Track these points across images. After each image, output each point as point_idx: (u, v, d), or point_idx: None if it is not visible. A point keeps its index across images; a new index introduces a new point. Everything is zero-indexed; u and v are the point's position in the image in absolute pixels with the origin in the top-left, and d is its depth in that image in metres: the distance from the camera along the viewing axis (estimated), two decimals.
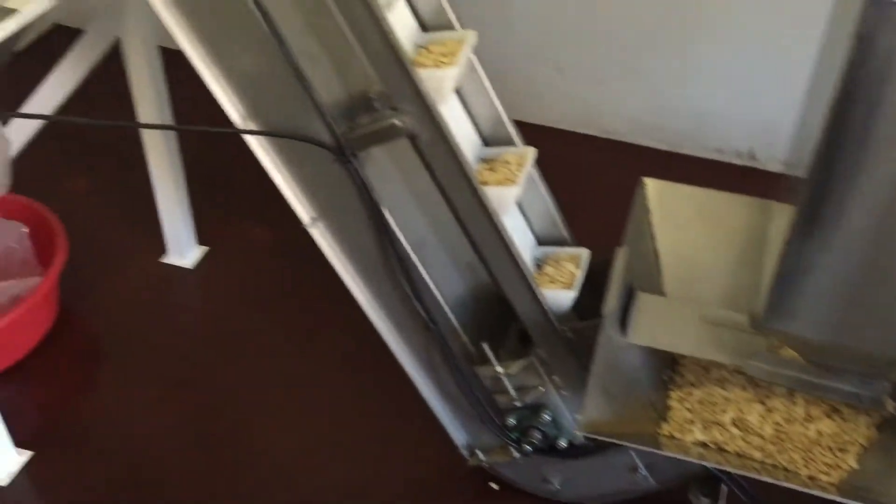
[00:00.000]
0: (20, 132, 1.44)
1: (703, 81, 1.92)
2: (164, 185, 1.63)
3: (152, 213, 1.68)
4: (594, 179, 1.91)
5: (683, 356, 1.24)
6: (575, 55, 1.99)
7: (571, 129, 2.07)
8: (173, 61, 1.44)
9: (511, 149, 1.19)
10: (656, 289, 1.24)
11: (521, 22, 1.96)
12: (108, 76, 1.51)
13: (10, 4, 1.16)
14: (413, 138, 1.05)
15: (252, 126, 1.10)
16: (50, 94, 1.46)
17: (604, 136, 2.06)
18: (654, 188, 1.27)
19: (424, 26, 1.12)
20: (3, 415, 1.35)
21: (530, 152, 1.17)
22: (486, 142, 1.22)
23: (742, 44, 1.84)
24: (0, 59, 1.24)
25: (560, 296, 1.17)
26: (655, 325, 1.17)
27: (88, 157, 1.96)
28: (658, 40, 1.91)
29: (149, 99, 1.49)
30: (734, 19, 1.82)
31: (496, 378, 1.22)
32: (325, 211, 1.15)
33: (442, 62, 1.03)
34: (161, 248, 1.74)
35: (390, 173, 1.15)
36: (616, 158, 2.00)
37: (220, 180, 1.89)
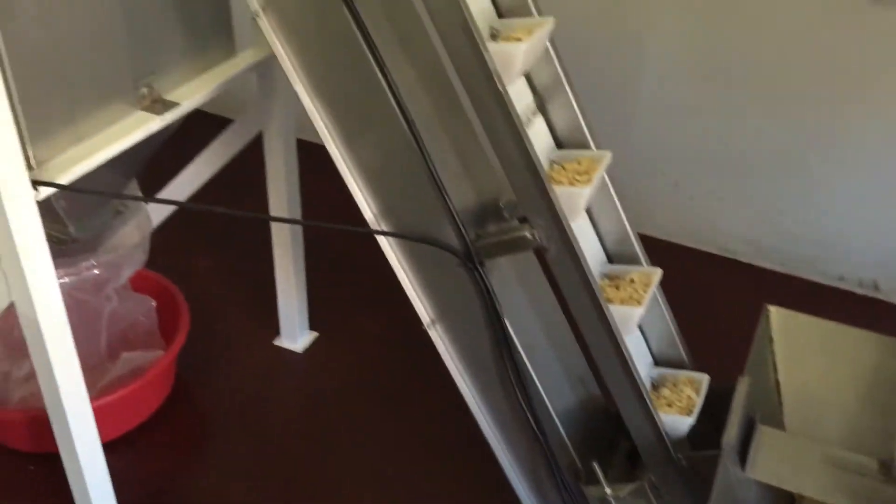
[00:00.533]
0: (158, 211, 1.52)
1: (827, 207, 1.88)
2: (284, 271, 1.69)
3: (270, 296, 1.74)
4: (711, 298, 1.88)
5: (804, 496, 1.18)
6: (693, 172, 1.99)
7: (688, 244, 2.05)
8: (303, 147, 1.53)
9: (637, 267, 1.19)
10: (776, 421, 1.20)
11: (641, 138, 1.98)
12: (240, 161, 1.59)
13: (171, 97, 1.25)
14: (542, 251, 1.06)
15: (384, 224, 1.14)
16: (191, 179, 1.55)
17: (721, 253, 2.03)
18: (777, 317, 1.24)
19: (560, 143, 1.15)
20: (112, 482, 1.39)
21: (656, 274, 1.17)
22: (611, 258, 1.22)
23: (870, 171, 1.81)
24: (153, 147, 1.33)
25: (677, 421, 1.14)
26: (777, 462, 1.12)
27: (216, 237, 2.05)
28: (781, 162, 1.89)
29: (282, 190, 1.56)
30: (863, 145, 1.79)
31: (604, 499, 1.18)
32: (445, 313, 1.17)
33: (577, 180, 1.05)
34: (275, 330, 1.79)
35: (512, 281, 1.16)
36: (733, 278, 1.97)
37: (337, 267, 1.95)
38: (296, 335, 1.78)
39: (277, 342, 1.79)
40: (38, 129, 1.06)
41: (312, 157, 1.39)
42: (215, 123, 1.57)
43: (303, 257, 1.69)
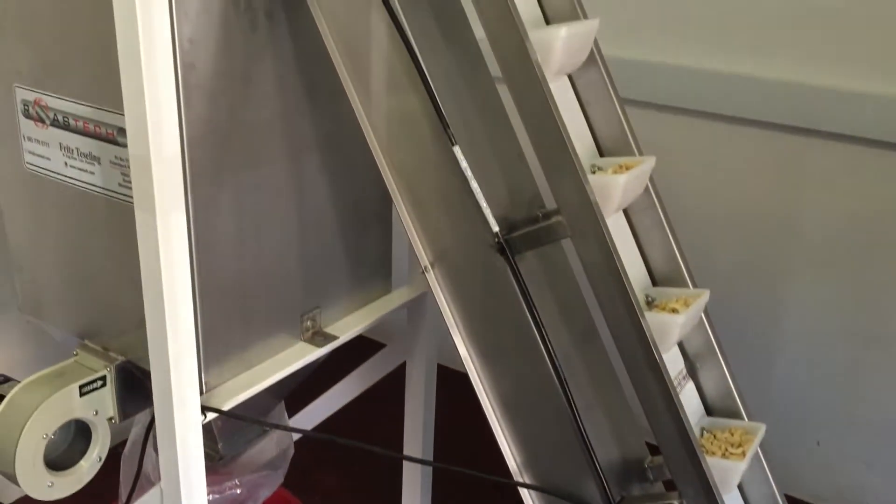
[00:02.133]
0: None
1: None
2: (411, 493, 1.68)
3: None
4: None
5: None
6: (837, 433, 1.91)
7: None
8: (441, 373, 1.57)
9: None
10: None
11: (782, 394, 1.94)
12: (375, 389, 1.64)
13: (330, 330, 1.32)
14: None
15: (526, 476, 1.14)
16: (332, 401, 1.60)
17: None
18: None
19: (710, 409, 1.14)
20: None
21: None
22: None
23: None
24: (306, 373, 1.40)
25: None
26: None
27: (345, 454, 2.08)
28: None
29: (418, 421, 1.59)
30: None
31: None
32: None
33: (731, 453, 1.03)
34: None
35: None
36: None
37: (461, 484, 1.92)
38: None
39: None
40: (213, 357, 1.14)
41: (450, 384, 1.42)
42: (360, 342, 1.64)
43: (429, 487, 1.68)
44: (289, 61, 1.13)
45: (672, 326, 0.99)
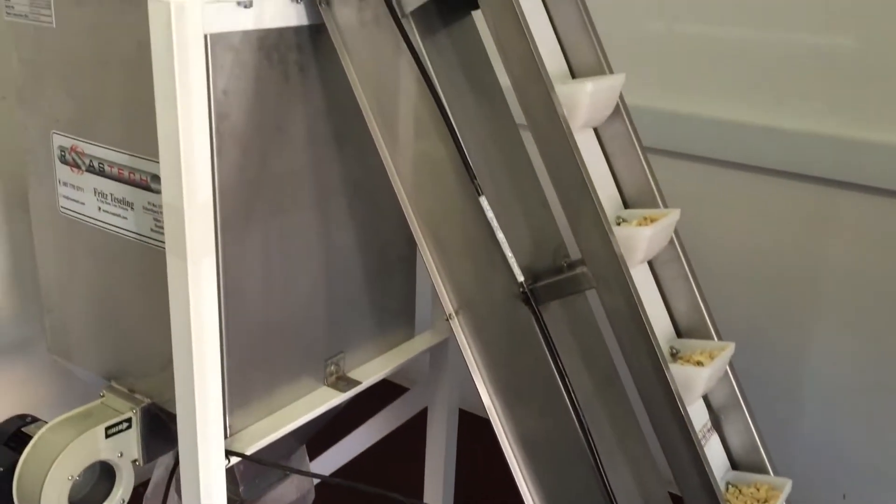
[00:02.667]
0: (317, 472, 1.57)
1: None
2: None
3: None
4: None
5: None
6: (864, 485, 1.88)
7: None
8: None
9: None
10: None
11: (806, 445, 1.91)
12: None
13: (353, 375, 1.33)
14: None
15: None
16: (354, 445, 1.60)
17: None
18: None
19: (735, 463, 1.13)
20: None
21: None
22: None
23: None
24: (328, 417, 1.40)
25: None
26: None
27: (364, 500, 2.06)
28: None
29: (439, 465, 1.58)
30: None
31: None
32: None
33: None
34: None
35: None
36: None
37: None
38: None
39: None
40: (238, 401, 1.15)
41: (471, 429, 1.41)
42: (382, 385, 1.64)
43: None
44: (319, 111, 1.16)
45: (697, 379, 0.99)
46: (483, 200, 1.00)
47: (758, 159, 1.59)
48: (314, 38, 1.11)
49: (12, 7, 1.15)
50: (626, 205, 1.10)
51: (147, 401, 1.20)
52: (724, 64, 1.60)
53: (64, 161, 1.18)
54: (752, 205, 1.68)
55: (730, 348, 1.05)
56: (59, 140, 1.18)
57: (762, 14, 1.53)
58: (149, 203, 1.11)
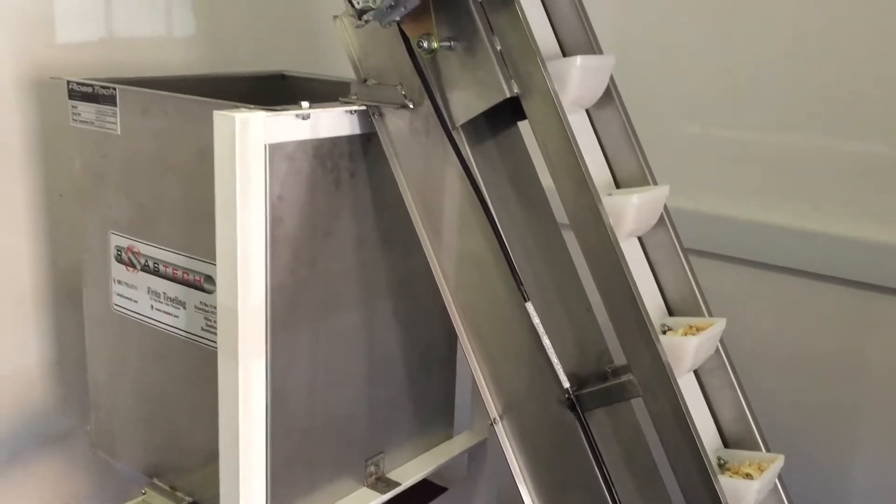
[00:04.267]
0: None
1: None
2: None
3: None
4: None
5: None
6: None
7: None
8: None
9: None
10: None
11: None
12: None
13: (393, 475, 1.33)
14: None
15: None
16: None
17: None
18: None
19: None
20: None
21: None
22: None
23: None
24: None
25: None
26: None
27: None
28: None
29: None
30: None
31: None
32: None
33: None
34: None
35: None
36: None
37: None
38: None
39: None
40: (280, 501, 1.15)
41: None
42: (420, 483, 1.63)
43: None
44: (366, 214, 1.19)
45: (747, 494, 0.98)
46: (529, 306, 1.01)
47: (797, 262, 1.60)
48: (365, 145, 1.15)
49: (79, 114, 1.21)
50: (670, 312, 1.11)
51: (188, 499, 1.20)
52: (761, 167, 1.62)
53: (120, 260, 1.22)
54: (791, 308, 1.67)
55: (779, 460, 1.04)
56: (117, 240, 1.22)
57: (799, 120, 1.56)
58: (201, 303, 1.13)
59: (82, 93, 1.19)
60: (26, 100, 1.41)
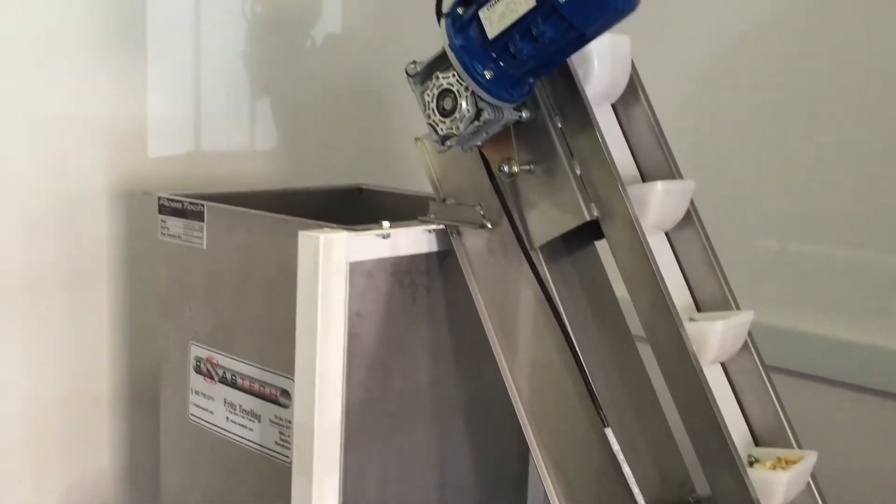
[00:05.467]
0: None
1: None
2: None
3: None
4: None
5: None
6: None
7: None
8: None
9: None
10: None
11: None
12: None
13: None
14: None
15: None
16: None
17: None
18: None
19: None
20: None
21: None
22: None
23: None
24: None
25: None
26: None
27: None
28: None
29: None
30: None
31: None
32: None
33: None
34: None
35: None
36: None
37: None
38: None
39: None
40: None
41: None
42: None
43: None
44: (440, 328, 1.19)
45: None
46: (609, 432, 0.99)
47: (885, 384, 1.54)
48: (441, 261, 1.16)
49: (167, 228, 1.25)
50: (756, 441, 1.07)
51: None
52: (843, 283, 1.58)
53: (198, 371, 1.24)
54: (877, 430, 1.60)
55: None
56: (197, 351, 1.24)
57: (881, 236, 1.53)
58: (276, 416, 1.14)
59: (172, 208, 1.24)
60: (115, 211, 1.47)
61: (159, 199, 1.26)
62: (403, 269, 1.12)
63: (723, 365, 1.07)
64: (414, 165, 1.43)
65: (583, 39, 0.90)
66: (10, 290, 1.38)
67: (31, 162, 1.37)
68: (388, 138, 1.84)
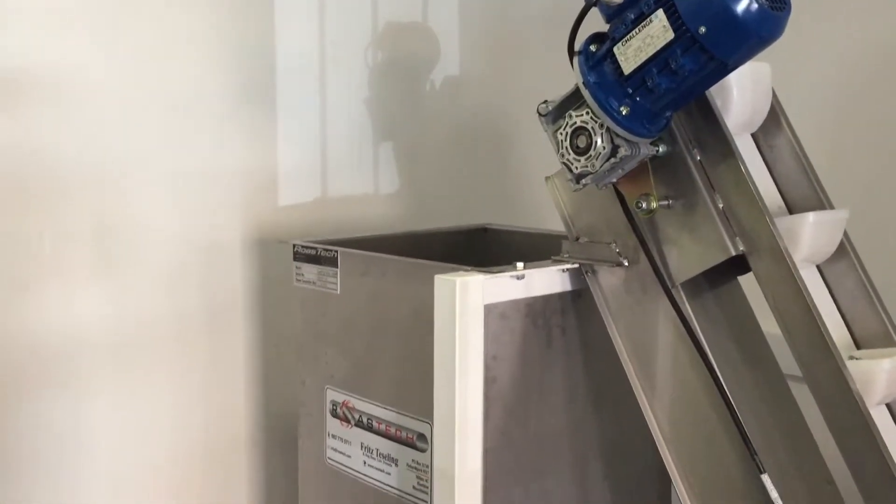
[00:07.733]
0: None
1: None
2: None
3: None
4: None
5: None
6: None
7: None
8: None
9: None
10: None
11: None
12: None
13: None
14: None
15: None
16: None
17: None
18: None
19: None
20: None
21: None
22: None
23: None
24: None
25: None
26: None
27: None
28: None
29: None
30: None
31: None
32: None
33: None
34: None
35: None
36: None
37: None
38: None
39: None
40: None
41: None
42: None
43: None
44: (577, 371, 1.16)
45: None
46: (766, 479, 0.93)
47: None
48: (575, 301, 1.14)
49: (302, 275, 1.28)
50: None
51: None
52: None
53: (335, 415, 1.25)
54: None
55: None
56: (333, 395, 1.25)
57: None
58: (413, 461, 1.13)
59: (306, 255, 1.27)
60: (249, 258, 1.51)
61: (294, 246, 1.29)
62: (537, 309, 1.10)
63: (888, 406, 1.00)
64: (536, 203, 1.41)
65: (724, 70, 0.87)
66: (160, 338, 1.43)
67: (174, 215, 1.43)
68: (509, 177, 1.83)
